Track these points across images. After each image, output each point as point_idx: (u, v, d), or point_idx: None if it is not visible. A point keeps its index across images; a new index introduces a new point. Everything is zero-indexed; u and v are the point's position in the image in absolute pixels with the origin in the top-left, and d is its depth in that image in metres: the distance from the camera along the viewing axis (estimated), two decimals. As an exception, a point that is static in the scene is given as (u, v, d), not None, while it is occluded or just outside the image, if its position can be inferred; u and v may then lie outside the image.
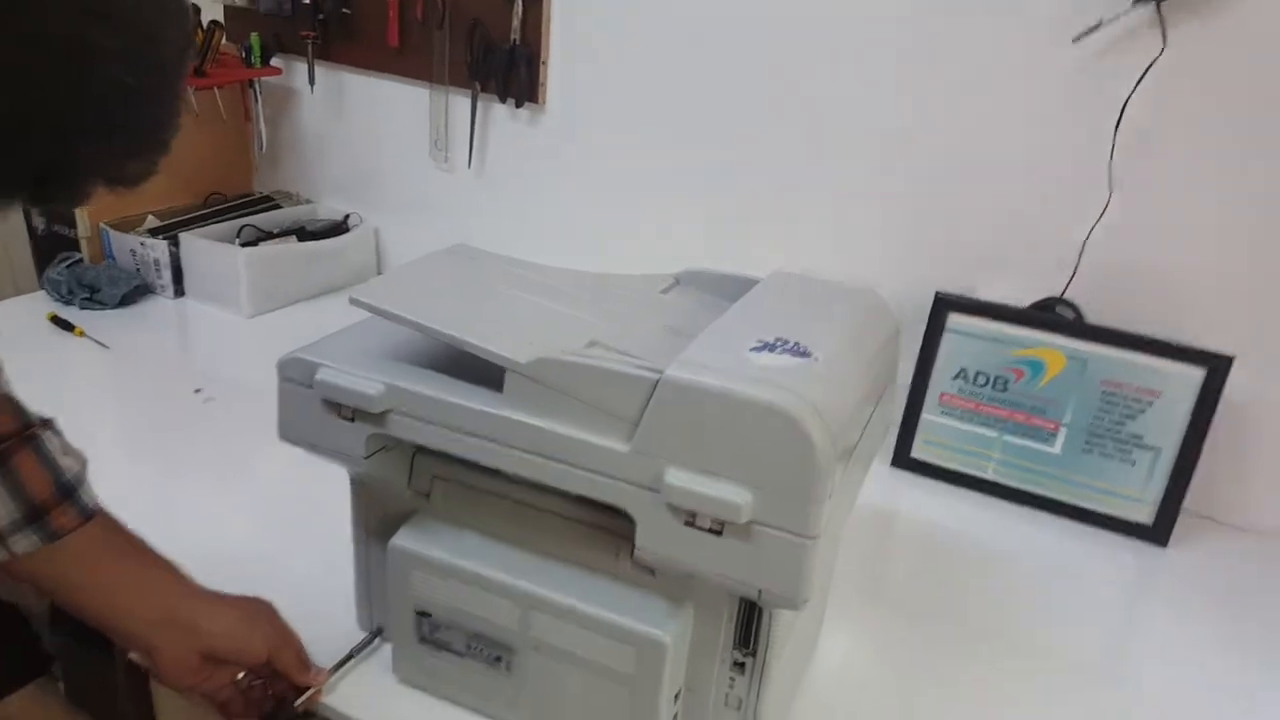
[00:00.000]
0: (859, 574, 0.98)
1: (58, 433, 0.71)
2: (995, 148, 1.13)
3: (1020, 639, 0.91)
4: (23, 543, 0.67)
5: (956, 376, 1.14)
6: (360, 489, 0.76)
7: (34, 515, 0.67)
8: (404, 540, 0.71)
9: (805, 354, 0.60)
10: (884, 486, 1.15)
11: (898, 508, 1.12)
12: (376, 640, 0.80)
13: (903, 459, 1.17)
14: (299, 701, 0.72)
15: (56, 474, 0.68)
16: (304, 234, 1.59)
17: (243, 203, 1.64)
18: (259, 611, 0.74)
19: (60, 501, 0.68)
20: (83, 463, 0.71)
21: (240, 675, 0.72)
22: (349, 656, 0.78)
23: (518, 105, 1.43)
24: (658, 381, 0.57)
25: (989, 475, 1.14)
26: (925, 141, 1.17)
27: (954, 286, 1.14)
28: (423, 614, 0.73)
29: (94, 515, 0.70)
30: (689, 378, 0.57)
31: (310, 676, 0.73)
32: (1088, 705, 0.83)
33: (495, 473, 0.69)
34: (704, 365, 0.57)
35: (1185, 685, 0.87)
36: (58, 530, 0.68)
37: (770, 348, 0.60)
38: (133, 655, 0.90)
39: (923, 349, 1.14)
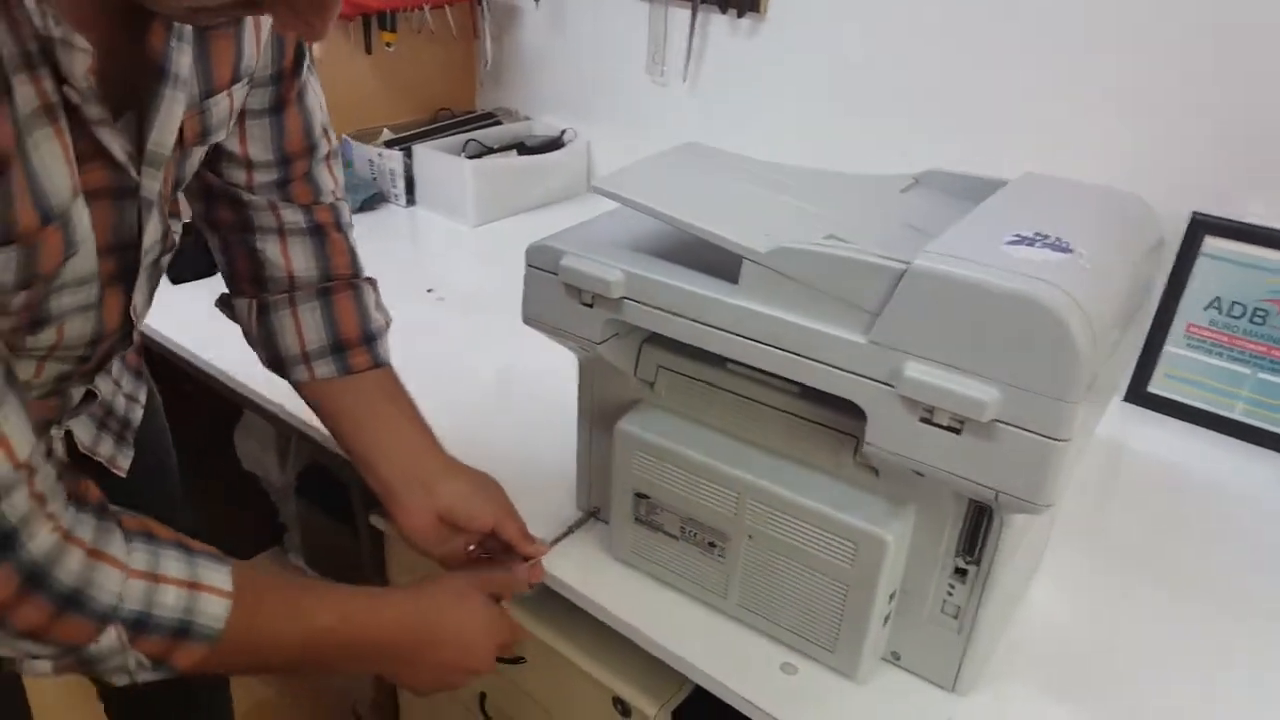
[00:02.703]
0: (1085, 509, 0.93)
1: (377, 290, 0.81)
2: (1264, 52, 1.01)
3: (1254, 594, 0.84)
4: (323, 368, 0.76)
5: (1209, 306, 1.04)
6: (589, 375, 0.80)
7: (338, 347, 0.77)
8: (629, 424, 0.74)
9: (1067, 249, 0.57)
10: (1118, 420, 1.08)
11: (1131, 444, 1.05)
12: (591, 519, 0.85)
13: (1138, 394, 1.09)
14: (521, 568, 0.77)
15: (365, 320, 0.78)
16: (523, 149, 1.65)
17: (468, 118, 1.73)
18: (489, 484, 0.79)
19: (361, 343, 0.77)
20: (388, 321, 0.81)
21: (471, 546, 0.78)
22: (567, 532, 0.83)
23: (739, 15, 1.41)
24: (904, 271, 0.56)
25: (1236, 415, 1.05)
26: (1189, 45, 1.05)
27: (1212, 207, 1.04)
28: (641, 496, 0.76)
29: (383, 366, 0.79)
30: (940, 268, 0.55)
31: (533, 548, 0.78)
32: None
33: (719, 365, 0.71)
34: (956, 256, 0.56)
35: None
36: (353, 366, 0.77)
37: (1029, 242, 0.57)
38: (374, 519, 0.99)
39: (1173, 274, 1.05)
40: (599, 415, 0.80)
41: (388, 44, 1.60)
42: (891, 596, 0.69)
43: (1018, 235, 0.58)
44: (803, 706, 0.69)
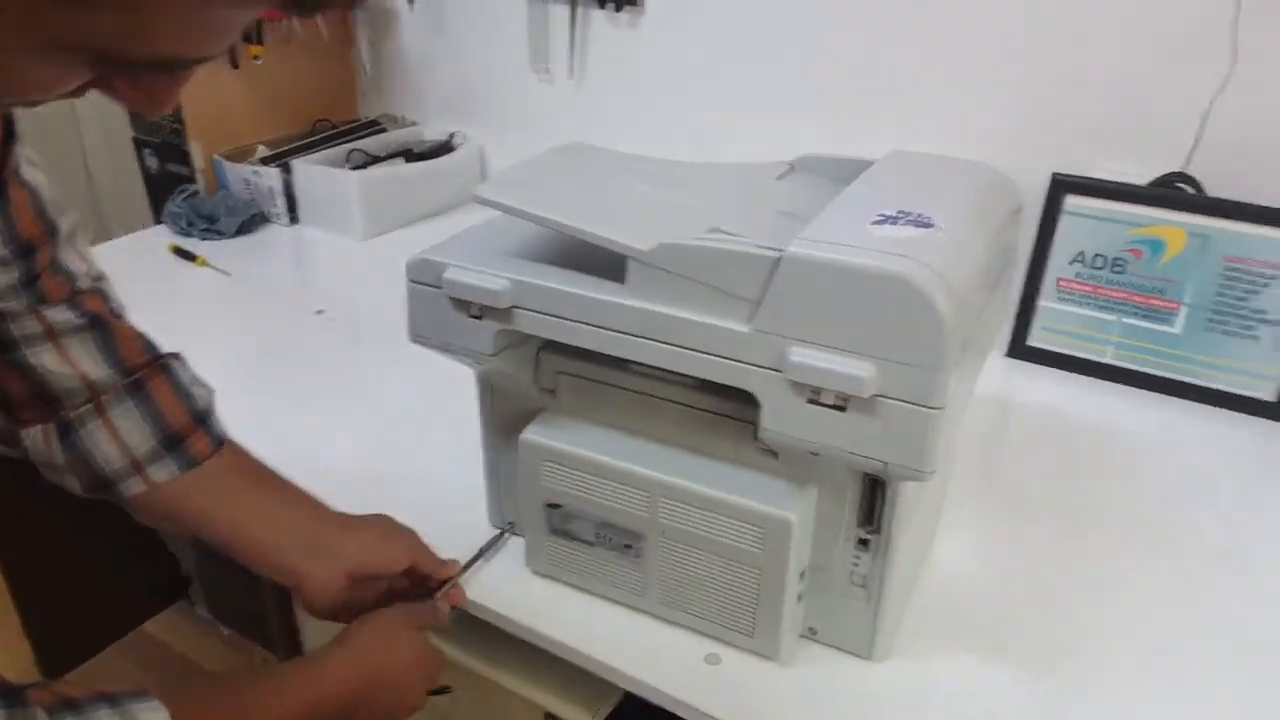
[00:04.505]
0: (978, 464, 0.97)
1: (185, 364, 0.72)
2: (1110, 18, 1.07)
3: (1140, 523, 0.90)
4: (161, 472, 0.67)
5: (1074, 260, 1.10)
6: (488, 388, 0.79)
7: (171, 443, 0.68)
8: (534, 434, 0.74)
9: (928, 224, 0.59)
10: (1001, 376, 1.13)
11: (1016, 397, 1.11)
12: (505, 535, 0.84)
13: (1019, 348, 1.15)
14: (440, 594, 0.76)
15: (190, 401, 0.70)
16: (411, 156, 1.62)
17: (350, 128, 1.68)
18: (387, 522, 0.75)
19: (196, 428, 0.69)
20: (211, 392, 0.73)
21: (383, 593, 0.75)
22: (478, 555, 0.81)
23: (617, 9, 1.41)
24: (779, 259, 0.58)
25: (1107, 359, 1.11)
26: (1037, 16, 1.11)
27: (1071, 168, 1.10)
28: (553, 506, 0.76)
29: (225, 443, 0.71)
30: (810, 253, 0.57)
31: (446, 569, 0.76)
32: (1210, 588, 0.82)
33: (619, 366, 0.71)
34: (825, 241, 0.58)
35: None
36: (195, 457, 0.68)
37: (892, 220, 0.60)
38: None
39: (1039, 233, 1.10)
40: (503, 428, 0.80)
41: (255, 57, 1.55)
42: (802, 574, 0.71)
43: (882, 215, 0.60)
44: (728, 695, 0.70)
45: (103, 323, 0.68)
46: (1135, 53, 1.07)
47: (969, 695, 0.71)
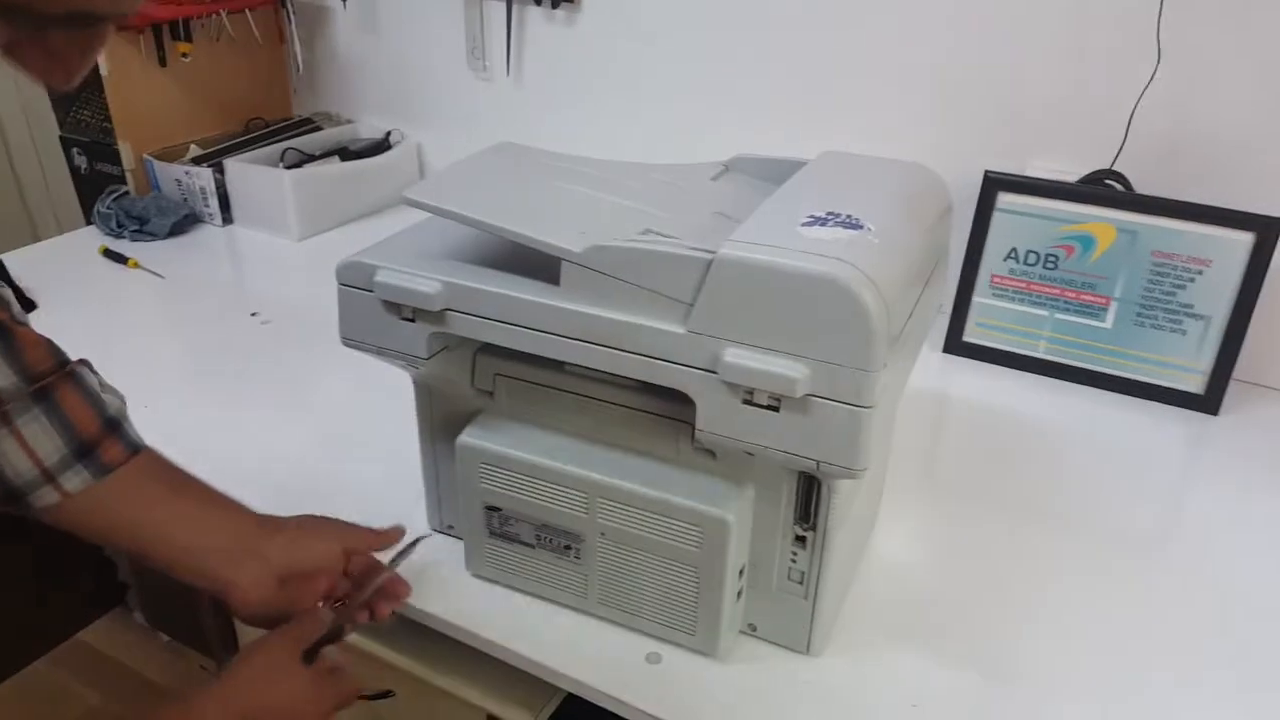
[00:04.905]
0: (915, 458, 0.99)
1: (94, 371, 0.70)
2: (1039, 18, 1.10)
3: (1075, 515, 0.92)
4: (74, 480, 0.65)
5: (1007, 257, 1.12)
6: (424, 391, 0.78)
7: (83, 450, 0.65)
8: (471, 437, 0.74)
9: (857, 226, 0.60)
10: (938, 372, 1.15)
11: (952, 392, 1.13)
12: (420, 540, 0.77)
13: (955, 344, 1.17)
14: (380, 579, 0.72)
15: (100, 407, 0.67)
16: (347, 154, 1.59)
17: (283, 126, 1.65)
18: (314, 520, 0.73)
19: (107, 435, 0.67)
20: (123, 399, 0.70)
21: (320, 602, 0.71)
22: (400, 554, 0.76)
23: (554, 6, 1.40)
24: (711, 261, 0.58)
25: (1040, 354, 1.14)
26: (970, 18, 1.13)
27: (1003, 166, 1.12)
28: (492, 509, 0.75)
29: (140, 450, 0.69)
30: (741, 255, 0.57)
31: (386, 534, 0.72)
32: (1144, 577, 0.84)
33: (557, 368, 0.71)
34: (756, 242, 0.58)
35: (1238, 550, 0.88)
36: (108, 464, 0.66)
37: (822, 222, 0.60)
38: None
39: (973, 231, 1.12)
40: (440, 430, 0.79)
41: (184, 55, 1.51)
42: (741, 572, 0.71)
43: (812, 216, 0.61)
44: (669, 693, 0.70)
45: (4, 330, 0.65)
46: (1065, 54, 1.10)
47: (900, 686, 0.72)
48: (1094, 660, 0.75)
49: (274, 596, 0.68)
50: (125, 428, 0.68)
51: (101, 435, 0.67)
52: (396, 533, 0.74)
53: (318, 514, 0.74)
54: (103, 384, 0.70)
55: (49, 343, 0.68)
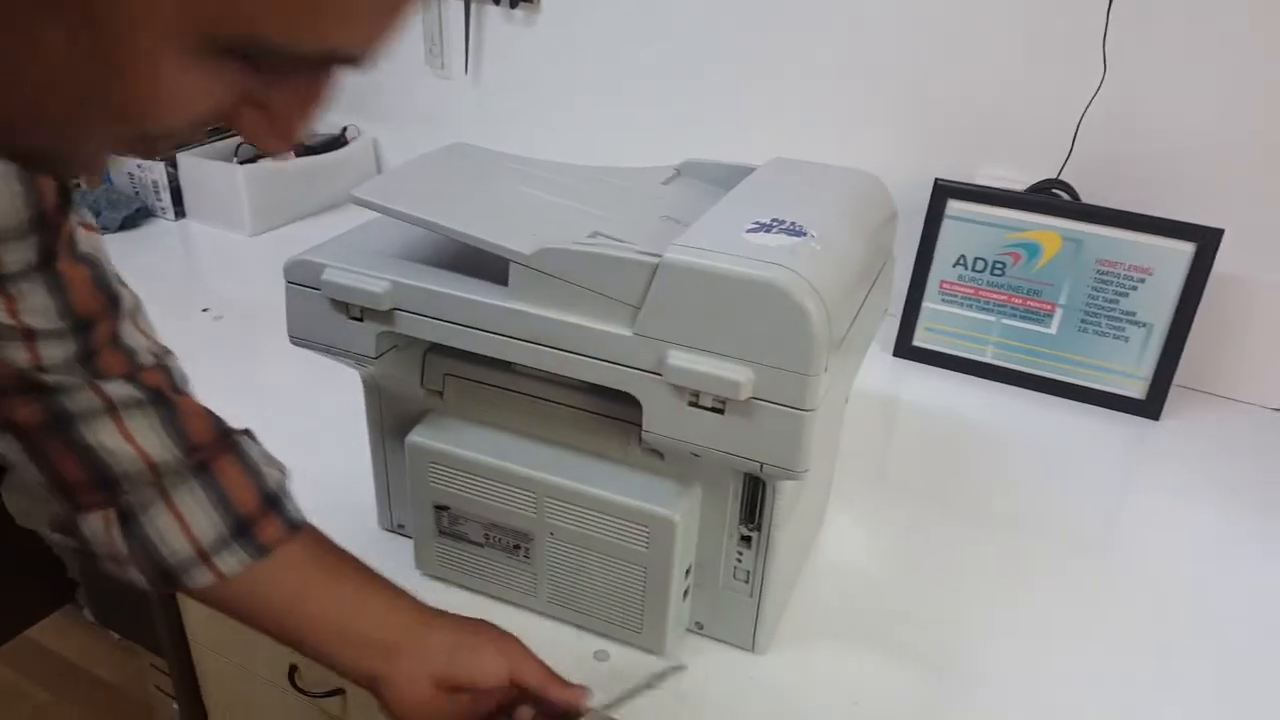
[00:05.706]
0: (863, 460, 1.01)
1: (256, 440, 0.65)
2: (989, 30, 1.12)
3: (1019, 516, 0.94)
4: (230, 560, 0.60)
5: (956, 263, 1.15)
6: (374, 391, 0.78)
7: (240, 529, 0.60)
8: (420, 436, 0.74)
9: (801, 233, 0.61)
10: (887, 376, 1.17)
11: (900, 395, 1.15)
12: (677, 668, 0.72)
13: (905, 348, 1.19)
14: None
15: (260, 481, 0.62)
16: (302, 150, 1.58)
17: (237, 121, 1.63)
18: (485, 628, 0.65)
19: (266, 512, 0.62)
20: (284, 471, 0.65)
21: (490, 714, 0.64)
22: (646, 684, 0.71)
23: (512, 5, 1.40)
24: (657, 265, 0.59)
25: (988, 359, 1.16)
26: (919, 27, 1.15)
27: (953, 174, 1.14)
28: (441, 508, 0.76)
29: (300, 528, 0.63)
30: (687, 259, 0.58)
31: (570, 693, 0.62)
32: (1085, 576, 0.86)
33: (506, 368, 0.71)
34: (701, 247, 0.59)
35: (1177, 551, 0.91)
36: (266, 544, 0.61)
37: (766, 228, 0.61)
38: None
39: (923, 237, 1.14)
40: (390, 429, 0.79)
41: (137, 46, 1.49)
42: (688, 571, 0.72)
43: (757, 222, 0.62)
44: (617, 689, 0.71)
45: (165, 399, 0.61)
46: (1013, 64, 1.12)
47: (843, 684, 0.73)
48: (1034, 658, 0.77)
49: (431, 701, 0.61)
50: (285, 503, 0.64)
51: (260, 513, 0.62)
52: (581, 696, 0.63)
53: (488, 620, 0.66)
54: (265, 455, 0.65)
55: (211, 413, 0.63)
